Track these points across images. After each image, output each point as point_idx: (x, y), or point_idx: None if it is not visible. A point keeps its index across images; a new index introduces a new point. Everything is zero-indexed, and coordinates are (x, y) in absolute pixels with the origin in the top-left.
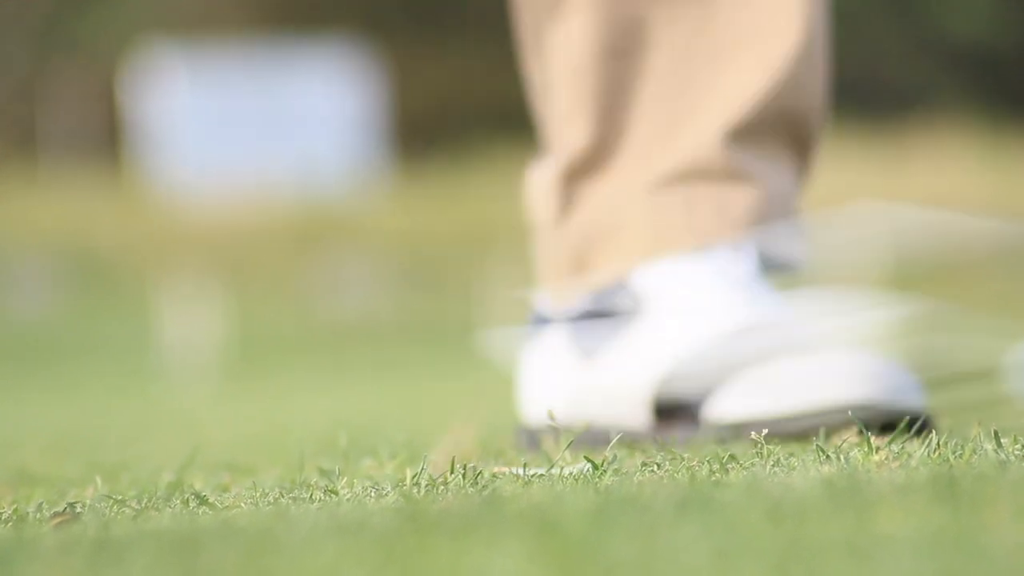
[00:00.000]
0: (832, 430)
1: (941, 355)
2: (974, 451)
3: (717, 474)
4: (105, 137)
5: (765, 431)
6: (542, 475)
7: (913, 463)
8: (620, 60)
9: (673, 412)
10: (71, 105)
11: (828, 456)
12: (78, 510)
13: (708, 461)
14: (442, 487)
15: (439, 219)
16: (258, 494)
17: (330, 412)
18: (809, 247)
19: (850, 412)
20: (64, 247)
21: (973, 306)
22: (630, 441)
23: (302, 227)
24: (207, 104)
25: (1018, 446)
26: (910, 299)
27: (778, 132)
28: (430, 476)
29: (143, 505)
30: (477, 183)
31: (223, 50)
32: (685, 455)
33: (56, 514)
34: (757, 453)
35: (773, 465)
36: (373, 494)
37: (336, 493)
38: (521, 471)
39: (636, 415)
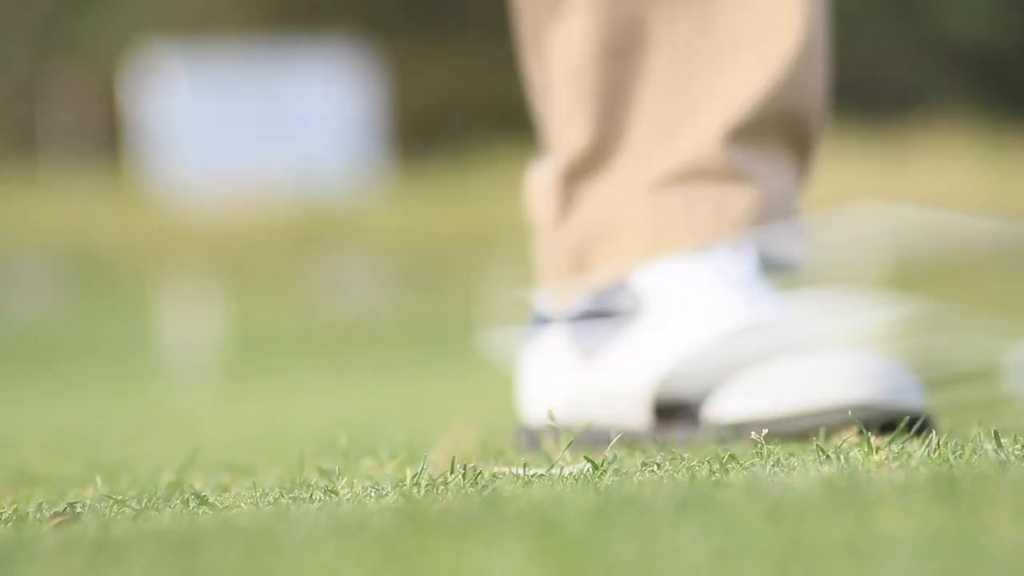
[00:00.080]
0: (832, 430)
1: (940, 355)
2: (974, 451)
3: (717, 474)
4: (105, 137)
5: (765, 431)
6: (542, 475)
7: (913, 463)
8: (620, 60)
9: (673, 412)
10: (71, 105)
11: (828, 456)
12: (78, 510)
13: (708, 461)
14: (442, 487)
15: (439, 219)
16: (258, 494)
17: (330, 412)
18: (809, 247)
19: (850, 412)
20: (64, 247)
21: (973, 306)
22: (630, 441)
23: (302, 227)
24: (207, 104)
25: (1018, 446)
26: (910, 299)
27: (778, 132)
28: (430, 476)
29: (143, 505)
30: (477, 183)
31: (223, 50)
32: (685, 455)
33: (56, 514)
34: (757, 453)
35: (773, 465)
36: (373, 494)
37: (336, 493)
38: (521, 471)
39: (636, 415)
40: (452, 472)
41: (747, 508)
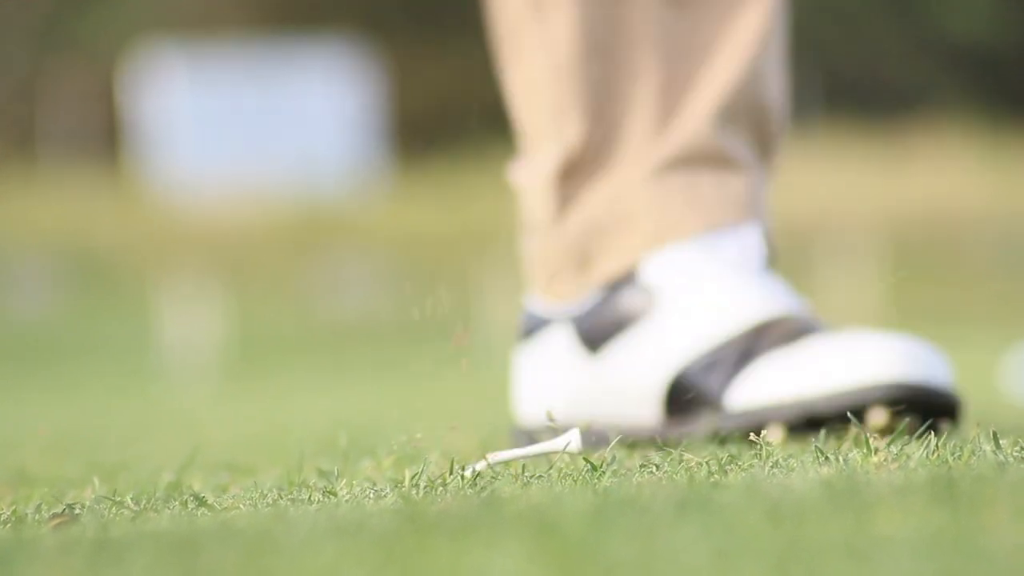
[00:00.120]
0: (866, 408)
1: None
2: (973, 452)
3: (716, 475)
4: (105, 137)
5: (791, 415)
6: (540, 477)
7: (912, 464)
8: (605, 58)
9: (685, 408)
10: (71, 105)
11: (827, 457)
12: (77, 511)
13: (707, 462)
14: (441, 488)
15: (439, 219)
16: (257, 495)
17: (330, 412)
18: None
19: (883, 391)
20: (64, 247)
21: (973, 306)
22: (630, 441)
23: (302, 227)
24: (207, 104)
25: (1017, 448)
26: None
27: (746, 124)
28: (429, 477)
29: (142, 506)
30: (477, 183)
31: (223, 50)
32: (684, 456)
33: (55, 515)
34: (756, 454)
35: (772, 466)
36: (372, 495)
37: (335, 494)
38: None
39: (647, 413)
40: (451, 473)
41: (746, 509)
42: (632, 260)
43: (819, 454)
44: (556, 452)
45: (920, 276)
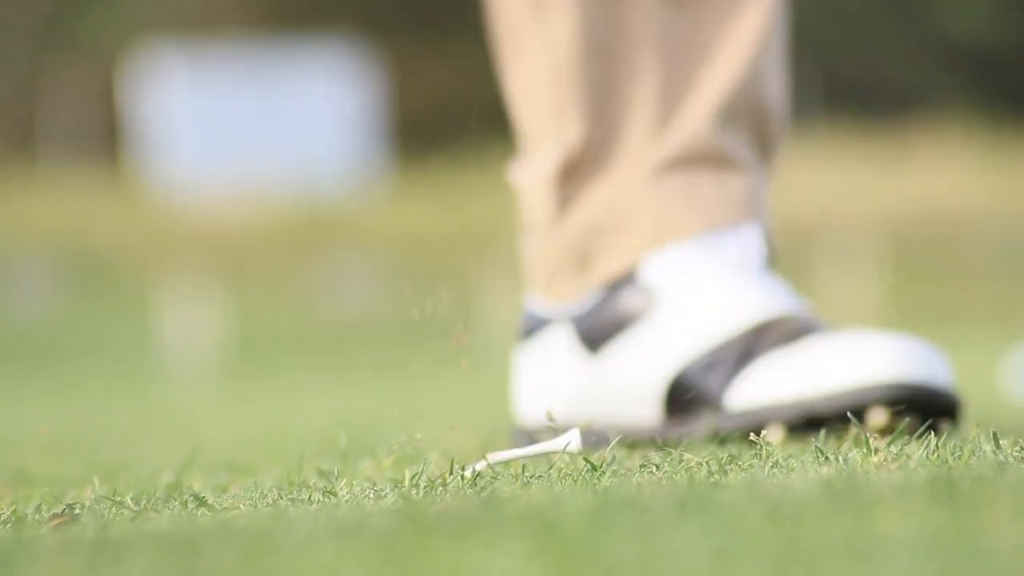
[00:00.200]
0: (866, 408)
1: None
2: (973, 452)
3: (716, 475)
4: (104, 137)
5: (791, 415)
6: (540, 477)
7: (912, 464)
8: (605, 58)
9: (685, 408)
10: (71, 105)
11: (827, 457)
12: (77, 511)
13: (707, 462)
14: (441, 488)
15: (439, 219)
16: (257, 495)
17: (330, 412)
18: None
19: (883, 391)
20: (64, 247)
21: (973, 306)
22: (630, 441)
23: (302, 227)
24: (207, 104)
25: (1017, 448)
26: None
27: (746, 124)
28: (429, 477)
29: (142, 506)
30: (477, 183)
31: (223, 50)
32: (684, 456)
33: (55, 515)
34: (756, 454)
35: (772, 466)
36: (372, 495)
37: (335, 494)
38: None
39: (647, 413)
40: (451, 473)
41: (746, 509)
42: (632, 260)
43: (819, 454)
44: (556, 452)
45: (920, 276)
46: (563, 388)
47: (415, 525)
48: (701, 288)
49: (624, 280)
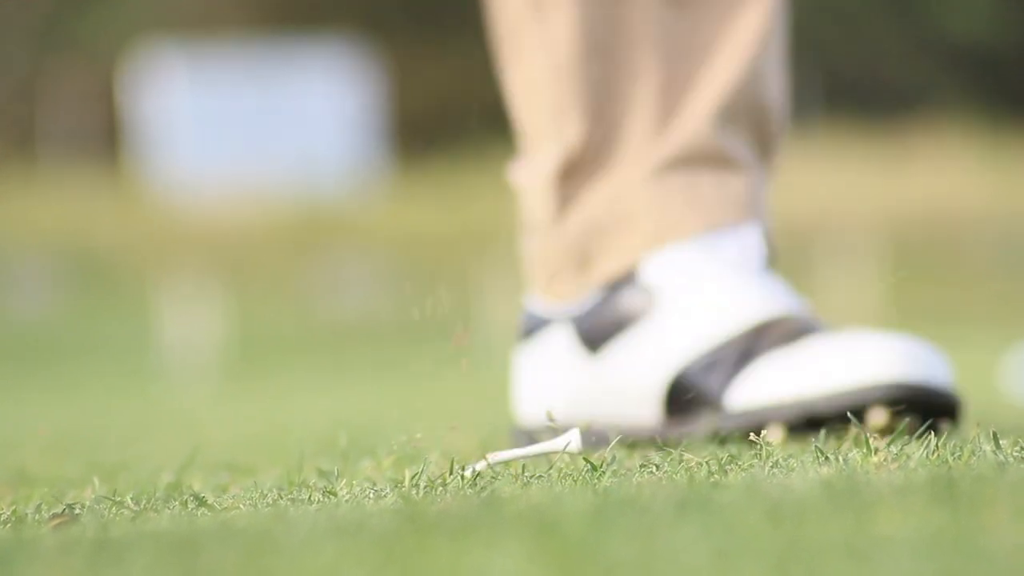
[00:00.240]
0: (866, 408)
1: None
2: (973, 452)
3: (716, 475)
4: (104, 137)
5: (791, 415)
6: (540, 476)
7: (912, 464)
8: (605, 58)
9: (685, 408)
10: (71, 105)
11: (827, 457)
12: (76, 511)
13: (707, 462)
14: (441, 488)
15: (439, 219)
16: (257, 495)
17: (330, 412)
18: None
19: (883, 391)
20: (64, 247)
21: (973, 306)
22: (630, 441)
23: (302, 227)
24: (207, 104)
25: (1017, 448)
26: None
27: (746, 124)
28: (429, 477)
29: (142, 506)
30: (477, 183)
31: (223, 50)
32: (684, 456)
33: (55, 515)
34: (756, 454)
35: (772, 466)
36: (372, 495)
37: (335, 494)
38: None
39: (647, 413)
40: (451, 473)
41: (746, 509)
42: (632, 260)
43: (819, 454)
44: (556, 452)
45: (920, 276)
46: (563, 388)
47: (415, 525)
48: (701, 288)
49: (624, 280)
